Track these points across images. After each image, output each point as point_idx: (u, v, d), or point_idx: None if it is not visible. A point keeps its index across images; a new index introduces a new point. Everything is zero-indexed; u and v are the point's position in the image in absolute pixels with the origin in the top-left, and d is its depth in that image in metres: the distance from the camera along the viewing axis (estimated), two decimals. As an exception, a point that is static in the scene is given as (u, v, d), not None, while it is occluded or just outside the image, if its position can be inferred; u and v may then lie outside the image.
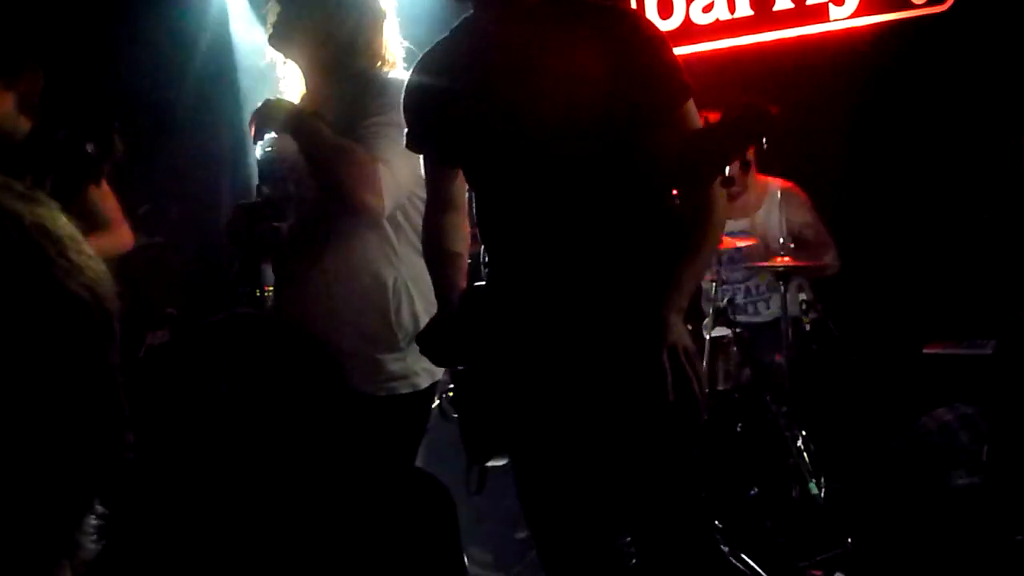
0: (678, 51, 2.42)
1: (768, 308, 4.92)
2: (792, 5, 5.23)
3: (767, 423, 4.32)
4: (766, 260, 4.61)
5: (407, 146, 2.58)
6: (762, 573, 3.74)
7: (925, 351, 4.61)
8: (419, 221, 2.75)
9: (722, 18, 5.40)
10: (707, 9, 5.43)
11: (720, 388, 4.44)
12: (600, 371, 2.33)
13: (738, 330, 4.46)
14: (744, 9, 5.35)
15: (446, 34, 2.50)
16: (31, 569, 0.83)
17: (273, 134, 2.88)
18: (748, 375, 4.47)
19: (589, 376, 2.34)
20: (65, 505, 0.87)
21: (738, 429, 4.34)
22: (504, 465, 2.55)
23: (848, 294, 4.96)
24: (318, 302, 2.84)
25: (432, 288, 2.63)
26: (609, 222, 2.34)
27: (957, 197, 4.85)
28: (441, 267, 2.57)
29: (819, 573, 3.97)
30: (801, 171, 4.99)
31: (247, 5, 5.67)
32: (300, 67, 2.99)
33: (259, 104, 2.84)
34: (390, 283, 2.81)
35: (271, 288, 3.05)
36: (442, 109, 2.44)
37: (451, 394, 2.72)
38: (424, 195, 2.70)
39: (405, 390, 2.83)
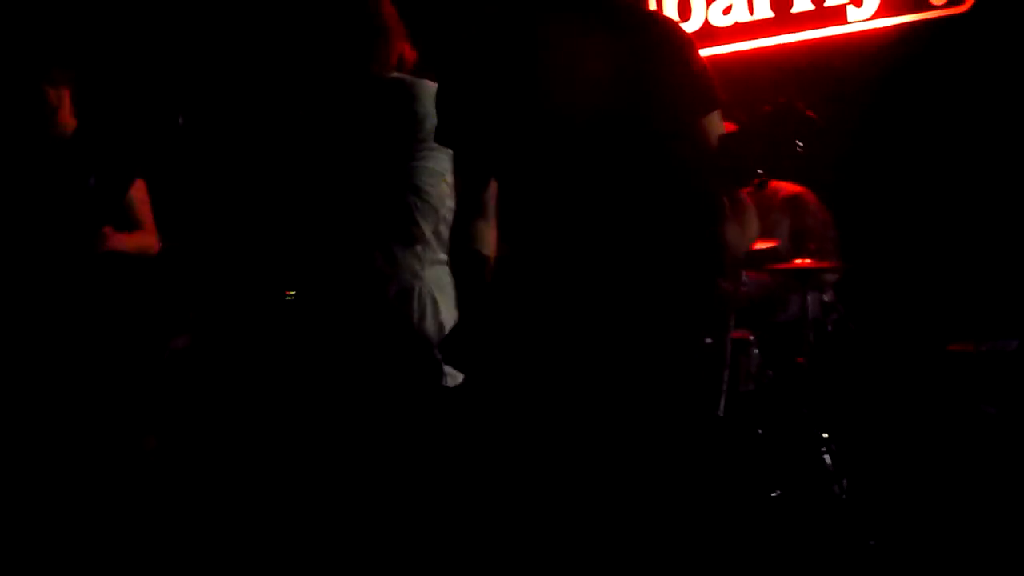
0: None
1: (785, 311, 4.91)
2: (812, 7, 5.22)
3: (789, 425, 4.32)
4: (784, 262, 4.61)
5: (437, 139, 2.57)
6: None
7: (948, 350, 4.59)
8: (445, 231, 2.77)
9: (741, 20, 5.40)
10: (727, 11, 5.44)
11: (742, 390, 4.44)
12: (617, 368, 2.33)
13: (759, 331, 4.46)
14: (763, 11, 5.35)
15: (474, 26, 2.51)
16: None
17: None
18: (770, 376, 4.47)
19: (605, 374, 2.34)
20: None
21: (760, 431, 4.33)
22: None
23: (869, 295, 4.95)
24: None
25: (455, 296, 2.66)
26: (634, 222, 2.34)
27: (978, 197, 4.84)
28: (469, 272, 2.56)
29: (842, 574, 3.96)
30: (821, 173, 4.98)
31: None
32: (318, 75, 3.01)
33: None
34: (415, 292, 2.83)
35: (292, 293, 3.08)
36: (476, 103, 2.44)
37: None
38: (451, 204, 2.72)
39: None
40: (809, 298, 4.52)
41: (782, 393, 4.34)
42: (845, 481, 4.23)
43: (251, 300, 3.04)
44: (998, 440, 4.23)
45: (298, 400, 2.82)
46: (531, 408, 2.42)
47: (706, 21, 5.49)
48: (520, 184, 2.45)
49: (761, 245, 4.66)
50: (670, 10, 5.51)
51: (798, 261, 4.49)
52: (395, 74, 2.96)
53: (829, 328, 4.68)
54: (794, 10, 5.28)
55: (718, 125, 2.31)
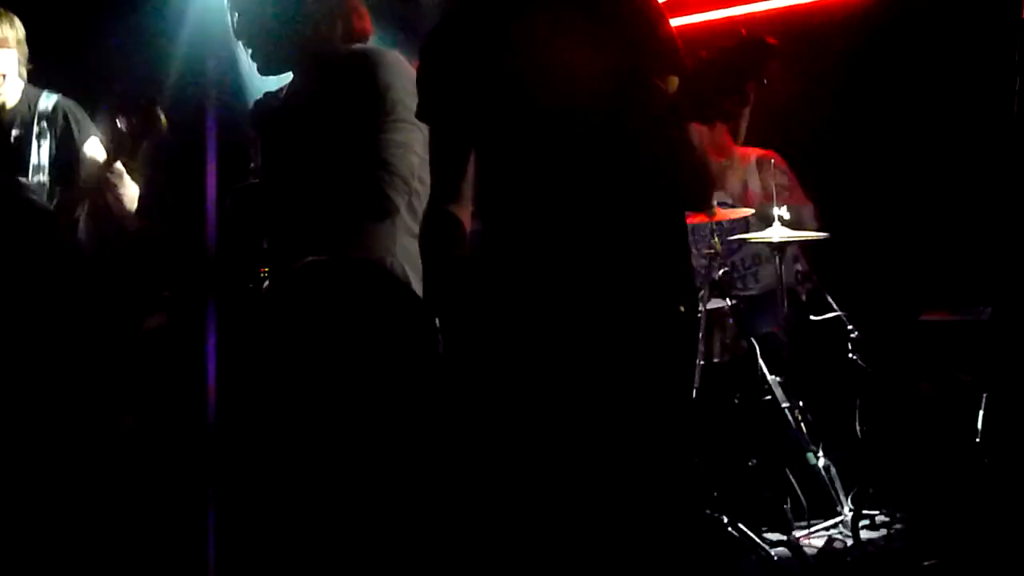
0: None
1: (757, 281, 4.92)
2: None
3: (764, 394, 4.34)
4: (755, 231, 4.63)
5: (418, 115, 2.55)
6: (760, 543, 3.78)
7: (922, 318, 4.61)
8: (417, 205, 2.76)
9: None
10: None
11: (716, 360, 4.45)
12: (592, 338, 2.33)
13: (734, 302, 4.47)
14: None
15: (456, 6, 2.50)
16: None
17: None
18: (744, 347, 4.48)
19: (581, 344, 2.34)
20: None
21: (736, 400, 4.35)
22: None
23: (844, 263, 4.96)
24: None
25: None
26: (605, 191, 2.34)
27: (954, 165, 4.85)
28: (444, 248, 2.51)
29: (817, 542, 3.99)
30: (795, 140, 5.00)
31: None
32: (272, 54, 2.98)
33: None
34: (386, 265, 2.82)
35: (267, 271, 3.06)
36: (458, 79, 2.43)
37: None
38: (422, 177, 2.70)
39: None
40: (783, 267, 4.53)
41: (757, 363, 4.35)
42: (820, 449, 4.26)
43: (225, 279, 3.01)
44: (972, 408, 4.26)
45: (279, 380, 2.80)
46: (509, 380, 2.42)
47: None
48: (500, 158, 2.44)
49: (735, 214, 4.67)
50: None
51: (773, 231, 4.49)
52: (355, 46, 2.93)
53: (803, 297, 4.70)
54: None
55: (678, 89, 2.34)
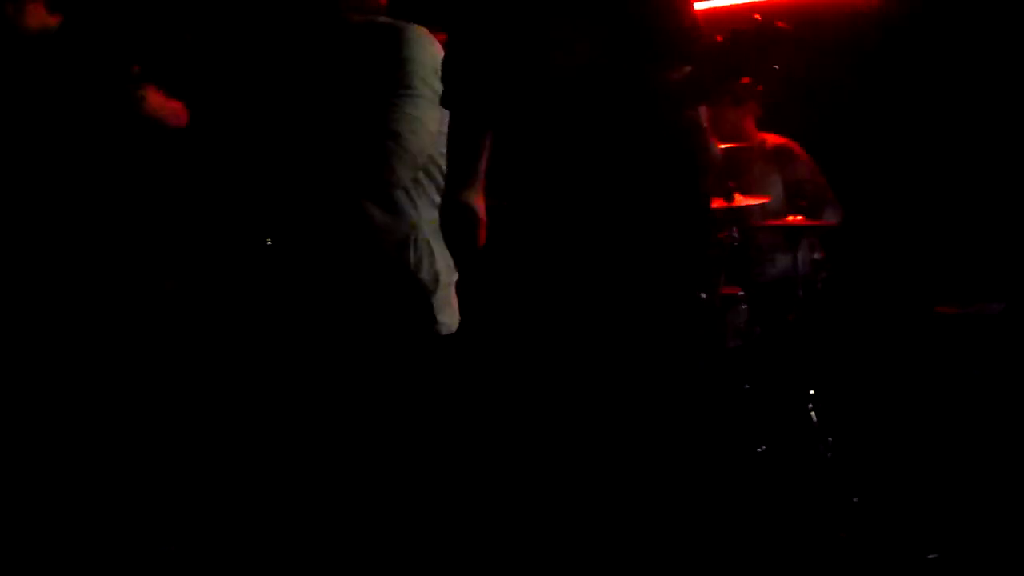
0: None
1: (775, 267, 4.92)
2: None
3: (776, 381, 4.34)
4: (770, 219, 4.62)
5: (442, 103, 2.58)
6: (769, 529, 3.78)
7: (936, 311, 4.61)
8: (438, 177, 2.76)
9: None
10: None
11: (729, 346, 4.45)
12: (612, 321, 2.35)
13: (748, 288, 4.46)
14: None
15: None
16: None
17: None
18: (757, 333, 4.48)
19: (601, 327, 2.36)
20: None
21: (747, 387, 4.35)
22: None
23: (859, 253, 4.96)
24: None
25: None
26: (627, 173, 2.36)
27: (970, 159, 4.84)
28: (462, 227, 2.54)
29: (825, 531, 3.99)
30: (812, 130, 4.98)
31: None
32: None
33: None
34: (410, 240, 2.81)
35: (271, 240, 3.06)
36: (480, 67, 2.45)
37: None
38: (433, 153, 2.71)
39: None
40: (800, 255, 4.53)
41: (770, 350, 4.35)
42: (830, 439, 4.25)
43: (234, 247, 3.00)
44: (982, 402, 4.26)
45: (287, 352, 2.80)
46: (529, 359, 2.43)
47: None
48: (518, 144, 2.45)
49: (752, 200, 4.67)
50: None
51: (791, 218, 4.49)
52: (382, 18, 2.91)
53: (819, 286, 4.69)
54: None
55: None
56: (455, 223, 2.52)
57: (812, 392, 4.34)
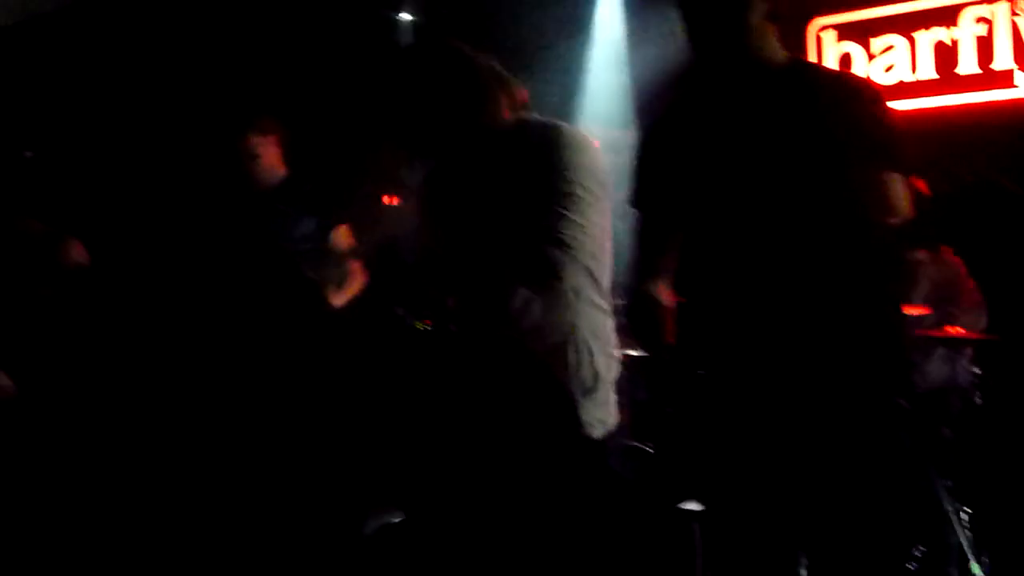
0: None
1: (925, 379, 4.80)
2: (978, 70, 5.13)
3: (929, 498, 4.21)
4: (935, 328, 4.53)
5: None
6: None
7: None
8: (603, 279, 2.78)
9: (905, 79, 5.33)
10: (888, 69, 5.37)
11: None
12: (811, 426, 2.39)
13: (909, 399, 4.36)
14: (927, 71, 5.27)
15: (672, 91, 2.58)
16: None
17: None
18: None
19: (799, 430, 2.41)
20: None
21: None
22: None
23: (1016, 367, 4.81)
24: None
25: (610, 342, 2.74)
26: (826, 277, 2.43)
27: None
28: (650, 319, 2.65)
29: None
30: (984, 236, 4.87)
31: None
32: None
33: None
34: (571, 342, 2.82)
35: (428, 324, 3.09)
36: (679, 170, 2.49)
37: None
38: (597, 252, 2.75)
39: None
40: (958, 367, 4.42)
41: (925, 464, 4.23)
42: (985, 559, 4.11)
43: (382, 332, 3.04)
44: None
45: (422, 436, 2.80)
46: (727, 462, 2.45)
47: (867, 79, 5.41)
48: (713, 247, 2.48)
49: (911, 311, 4.57)
50: (830, 66, 5.46)
51: (949, 329, 4.39)
52: (533, 117, 2.93)
53: (978, 400, 4.55)
54: (959, 71, 5.18)
55: (900, 186, 2.35)
56: (643, 312, 2.56)
57: (968, 511, 4.21)
